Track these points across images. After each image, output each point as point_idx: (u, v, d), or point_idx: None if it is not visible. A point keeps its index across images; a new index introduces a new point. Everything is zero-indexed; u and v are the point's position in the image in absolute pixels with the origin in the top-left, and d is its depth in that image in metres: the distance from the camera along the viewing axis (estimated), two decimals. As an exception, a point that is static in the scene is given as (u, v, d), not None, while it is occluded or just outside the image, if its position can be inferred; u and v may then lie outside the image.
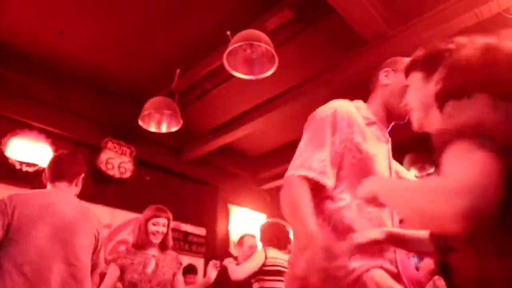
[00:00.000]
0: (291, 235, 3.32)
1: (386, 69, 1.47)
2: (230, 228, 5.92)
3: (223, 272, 3.30)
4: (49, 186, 2.19)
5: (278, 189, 4.93)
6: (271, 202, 6.55)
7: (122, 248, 3.41)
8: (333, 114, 1.33)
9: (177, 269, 2.74)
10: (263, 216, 6.37)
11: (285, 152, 5.88)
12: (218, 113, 4.77)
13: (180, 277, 2.77)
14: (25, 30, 3.74)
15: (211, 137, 4.99)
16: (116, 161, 4.68)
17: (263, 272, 3.12)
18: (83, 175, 2.26)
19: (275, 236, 3.33)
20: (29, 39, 3.85)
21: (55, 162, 2.24)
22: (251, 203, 6.29)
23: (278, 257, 3.17)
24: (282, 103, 4.28)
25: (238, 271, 3.18)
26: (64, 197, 2.13)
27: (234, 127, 4.74)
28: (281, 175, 5.09)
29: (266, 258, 3.14)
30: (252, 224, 6.16)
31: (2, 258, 1.86)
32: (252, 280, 3.21)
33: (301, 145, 1.35)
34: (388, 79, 1.45)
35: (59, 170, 2.18)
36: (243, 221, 6.11)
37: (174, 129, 3.91)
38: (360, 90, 1.56)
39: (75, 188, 2.23)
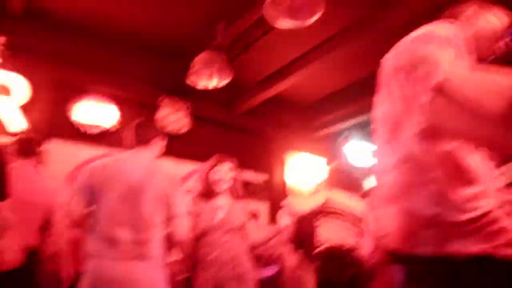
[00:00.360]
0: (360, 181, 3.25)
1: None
2: (287, 174, 6.02)
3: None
4: (126, 151, 2.39)
5: (333, 135, 4.90)
6: (328, 147, 6.49)
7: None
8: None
9: (246, 217, 2.79)
10: (322, 160, 6.36)
11: (337, 97, 5.74)
12: (266, 63, 4.68)
13: (250, 225, 2.82)
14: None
15: (260, 88, 4.96)
16: (173, 117, 4.87)
17: (323, 213, 3.07)
18: (159, 137, 2.42)
19: (341, 180, 3.27)
20: (81, 7, 4.00)
21: (133, 128, 2.43)
22: (307, 149, 6.29)
23: (341, 201, 3.04)
24: (331, 48, 4.06)
25: (296, 208, 3.17)
26: (135, 160, 2.30)
27: (284, 76, 4.64)
28: (335, 122, 5.00)
29: (328, 199, 3.07)
30: (310, 169, 6.21)
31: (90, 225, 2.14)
32: (314, 220, 3.19)
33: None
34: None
35: (137, 135, 2.38)
36: (301, 167, 6.16)
37: (224, 82, 3.93)
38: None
39: (153, 151, 2.39)
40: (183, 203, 2.30)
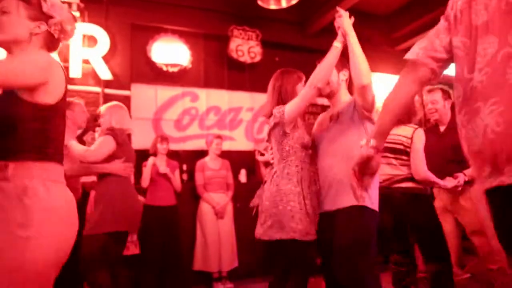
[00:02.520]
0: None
1: None
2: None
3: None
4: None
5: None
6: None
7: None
8: None
9: None
10: (401, 79, 5.96)
11: (418, 4, 5.13)
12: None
13: None
14: None
15: (334, 1, 4.57)
16: (245, 47, 4.77)
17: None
18: None
19: None
20: None
21: None
22: (387, 67, 5.87)
23: (396, 133, 2.62)
24: None
25: None
26: None
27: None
28: (416, 33, 4.53)
29: None
30: (390, 90, 5.85)
31: None
32: None
33: None
34: None
35: None
36: (381, 87, 5.82)
37: (294, 1, 3.68)
38: None
39: None
40: None
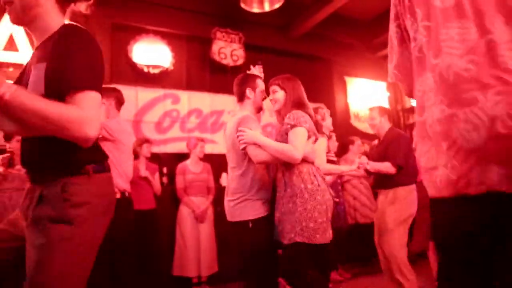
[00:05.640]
0: None
1: None
2: (349, 101, 5.80)
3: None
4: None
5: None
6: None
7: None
8: None
9: None
10: (382, 85, 6.05)
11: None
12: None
13: None
14: None
15: (317, 5, 4.60)
16: (228, 49, 4.75)
17: None
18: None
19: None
20: None
21: None
22: (368, 72, 5.95)
23: None
24: None
25: None
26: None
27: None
28: None
29: None
30: (371, 95, 5.93)
31: None
32: None
33: None
34: None
35: None
36: (362, 92, 5.90)
37: (277, 5, 3.69)
38: None
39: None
40: None
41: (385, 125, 3.16)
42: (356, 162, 2.87)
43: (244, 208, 2.06)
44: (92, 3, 1.37)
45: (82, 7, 1.38)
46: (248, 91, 2.25)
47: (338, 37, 5.56)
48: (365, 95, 5.90)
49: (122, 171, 2.80)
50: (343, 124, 5.53)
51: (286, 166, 2.07)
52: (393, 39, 1.15)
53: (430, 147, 0.99)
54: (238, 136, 2.08)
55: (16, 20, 1.25)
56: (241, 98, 2.27)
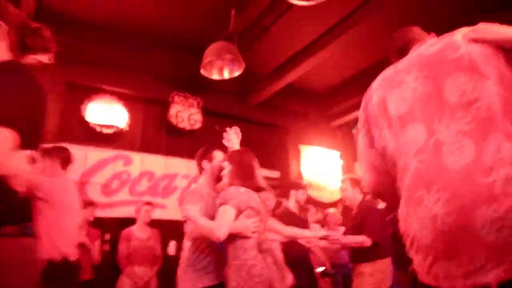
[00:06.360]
0: None
1: None
2: (302, 169, 5.87)
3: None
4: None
5: (349, 124, 4.81)
6: (343, 138, 6.34)
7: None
8: None
9: None
10: (336, 154, 6.22)
11: (354, 84, 5.55)
12: (280, 50, 4.53)
13: None
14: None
15: (275, 76, 4.80)
16: (185, 113, 4.74)
17: None
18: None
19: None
20: (89, 7, 3.88)
21: None
22: (322, 141, 6.13)
23: None
24: (346, 29, 3.87)
25: None
26: None
27: (298, 63, 4.47)
28: (351, 109, 4.90)
29: None
30: (324, 163, 6.05)
31: None
32: None
33: None
34: None
35: None
36: (316, 160, 6.01)
37: (237, 73, 3.78)
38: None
39: None
40: None
41: (357, 197, 3.22)
42: (318, 229, 2.89)
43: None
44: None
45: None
46: (205, 163, 2.40)
47: (294, 107, 5.77)
48: (319, 163, 6.01)
49: (62, 234, 2.51)
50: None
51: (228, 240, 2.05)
52: (361, 143, 1.24)
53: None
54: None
55: None
56: (200, 169, 2.43)
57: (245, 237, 2.03)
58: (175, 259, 3.95)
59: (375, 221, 2.98)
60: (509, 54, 0.97)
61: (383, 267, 2.91)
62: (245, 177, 2.18)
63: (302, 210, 3.90)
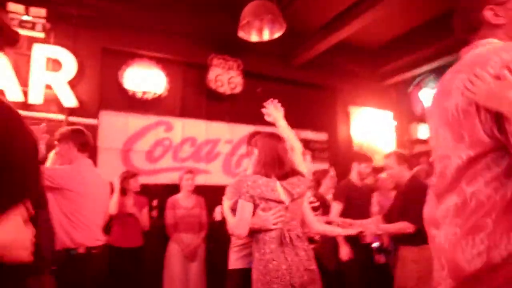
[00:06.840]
0: None
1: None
2: (352, 131, 5.54)
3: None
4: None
5: (403, 83, 4.33)
6: (397, 98, 5.86)
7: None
8: None
9: None
10: (389, 115, 5.79)
11: (407, 40, 5.02)
12: (325, 8, 4.09)
13: None
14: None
15: (320, 36, 4.39)
16: (225, 77, 4.53)
17: None
18: None
19: None
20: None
21: None
22: (373, 101, 5.71)
23: None
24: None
25: None
26: None
27: (346, 21, 4.01)
28: (405, 68, 4.43)
29: None
30: (377, 124, 5.67)
31: None
32: None
33: None
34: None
35: None
36: (367, 122, 5.64)
37: (277, 34, 3.47)
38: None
39: None
40: None
41: (405, 174, 2.89)
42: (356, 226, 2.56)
43: None
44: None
45: None
46: (250, 149, 2.27)
47: (342, 66, 5.35)
48: (371, 124, 5.64)
49: (79, 222, 2.42)
50: (346, 155, 5.25)
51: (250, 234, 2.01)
52: None
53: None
54: None
55: None
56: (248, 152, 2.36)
57: (266, 230, 1.94)
58: (221, 224, 3.98)
59: (423, 203, 2.61)
60: None
61: (431, 254, 2.59)
62: (270, 165, 2.01)
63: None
